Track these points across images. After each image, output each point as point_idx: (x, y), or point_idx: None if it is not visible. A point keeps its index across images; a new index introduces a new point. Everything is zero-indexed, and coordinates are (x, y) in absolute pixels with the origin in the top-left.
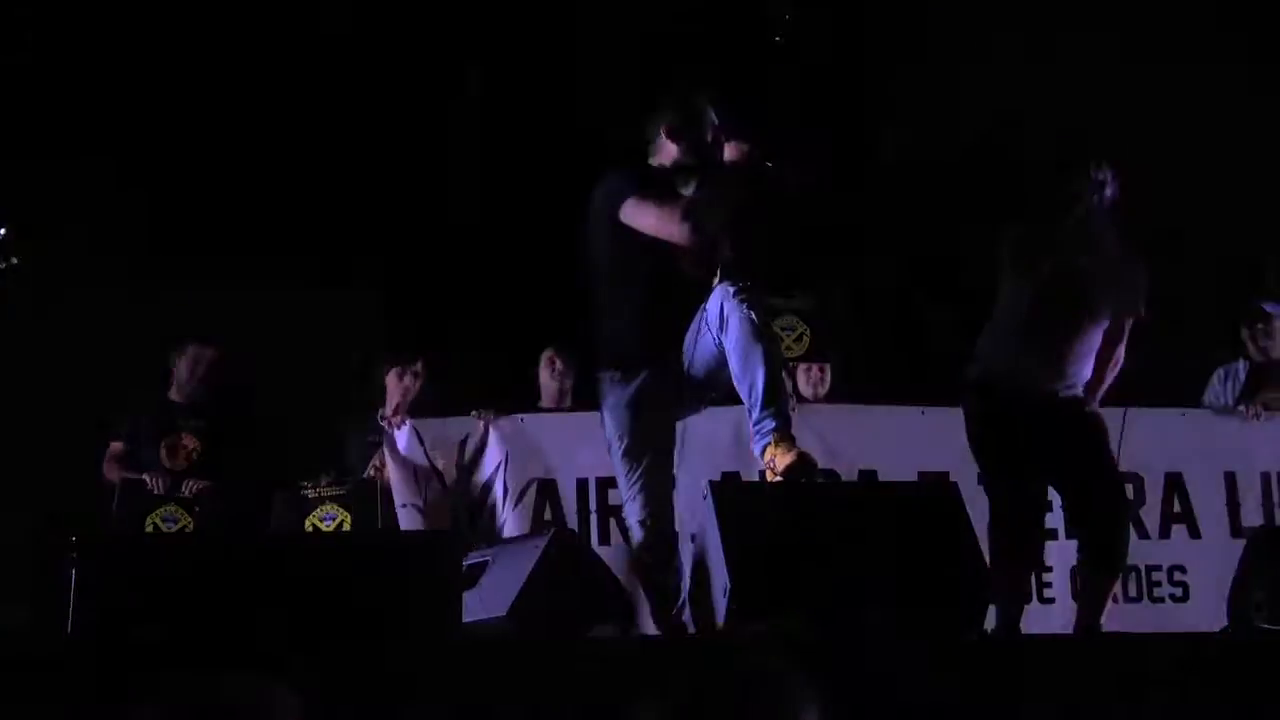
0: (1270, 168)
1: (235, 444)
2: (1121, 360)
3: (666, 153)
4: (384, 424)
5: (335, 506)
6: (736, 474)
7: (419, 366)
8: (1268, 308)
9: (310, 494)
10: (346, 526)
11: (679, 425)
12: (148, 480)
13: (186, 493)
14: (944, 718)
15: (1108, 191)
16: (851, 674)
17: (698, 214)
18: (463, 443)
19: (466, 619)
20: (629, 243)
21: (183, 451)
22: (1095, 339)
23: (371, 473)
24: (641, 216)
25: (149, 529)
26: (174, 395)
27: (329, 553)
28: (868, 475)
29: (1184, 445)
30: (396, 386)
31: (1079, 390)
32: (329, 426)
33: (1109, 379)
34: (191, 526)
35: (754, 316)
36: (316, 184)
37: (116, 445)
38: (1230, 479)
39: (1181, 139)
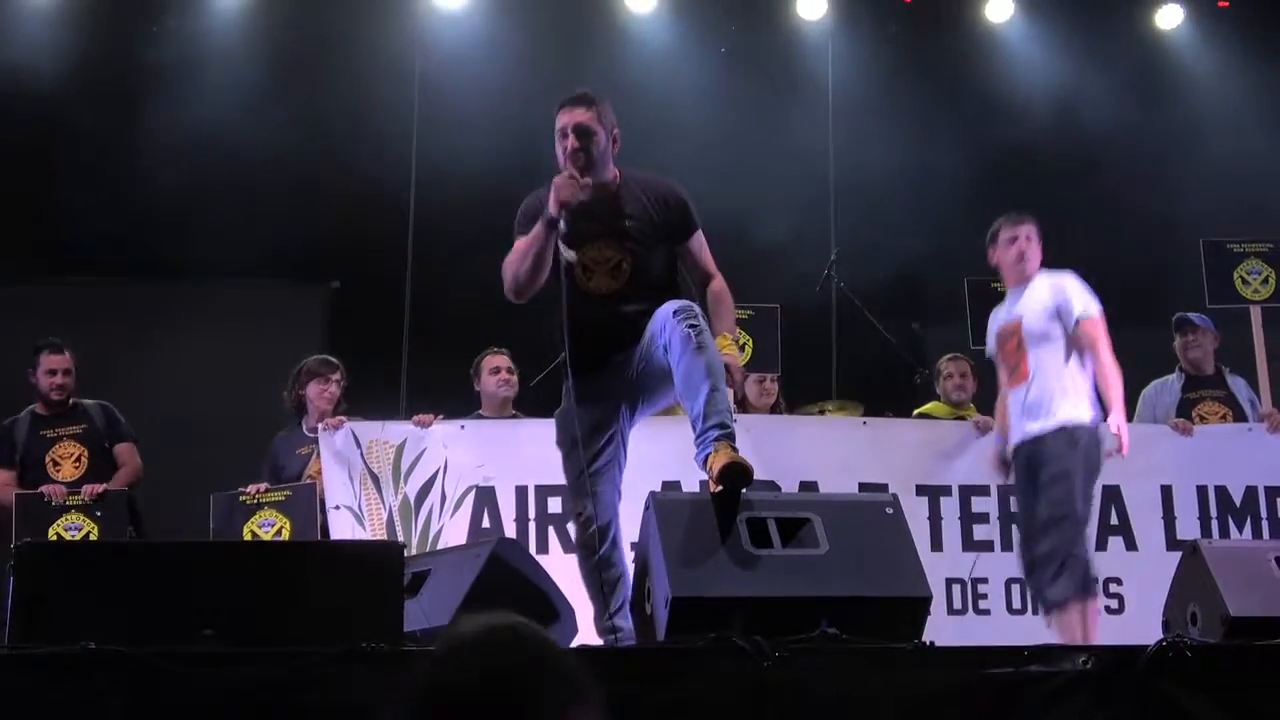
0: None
1: (114, 441)
2: None
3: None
4: (319, 428)
5: (274, 513)
6: (678, 484)
7: (339, 375)
8: (1195, 319)
9: (248, 500)
10: (286, 533)
11: (629, 436)
12: (45, 493)
13: (86, 498)
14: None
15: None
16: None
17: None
18: (401, 447)
19: (409, 628)
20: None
21: (68, 461)
22: None
23: (306, 481)
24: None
25: (53, 539)
26: (39, 409)
27: (272, 561)
28: (808, 487)
29: (1121, 459)
30: (319, 396)
31: None
32: (262, 433)
33: None
34: (96, 532)
35: (692, 334)
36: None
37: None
38: (1166, 492)
39: None
